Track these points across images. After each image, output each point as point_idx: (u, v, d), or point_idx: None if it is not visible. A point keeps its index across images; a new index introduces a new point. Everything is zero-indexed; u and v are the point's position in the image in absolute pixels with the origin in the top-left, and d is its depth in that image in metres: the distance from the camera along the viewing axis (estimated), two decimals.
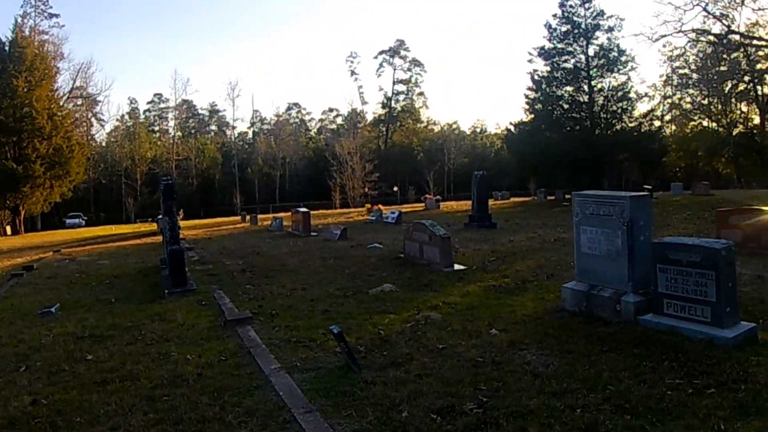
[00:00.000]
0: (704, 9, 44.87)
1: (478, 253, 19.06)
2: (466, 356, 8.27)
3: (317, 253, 21.34)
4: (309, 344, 9.30)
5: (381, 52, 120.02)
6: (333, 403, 6.84)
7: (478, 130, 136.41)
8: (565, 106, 56.86)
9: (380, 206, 49.52)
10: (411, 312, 11.14)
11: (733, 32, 48.82)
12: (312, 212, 35.87)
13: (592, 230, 10.22)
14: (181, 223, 32.25)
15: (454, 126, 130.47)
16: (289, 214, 36.35)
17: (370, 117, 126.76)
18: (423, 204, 57.03)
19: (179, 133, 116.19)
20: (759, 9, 51.82)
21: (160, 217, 26.48)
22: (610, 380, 7.03)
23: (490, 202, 38.16)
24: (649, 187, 51.29)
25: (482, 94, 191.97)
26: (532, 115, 57.56)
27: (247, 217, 48.51)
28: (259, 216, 49.07)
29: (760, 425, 5.75)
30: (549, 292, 12.26)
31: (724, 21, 49.69)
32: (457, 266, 16.18)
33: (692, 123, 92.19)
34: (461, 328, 9.84)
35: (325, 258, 19.68)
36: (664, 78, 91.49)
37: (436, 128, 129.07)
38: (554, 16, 57.24)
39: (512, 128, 60.87)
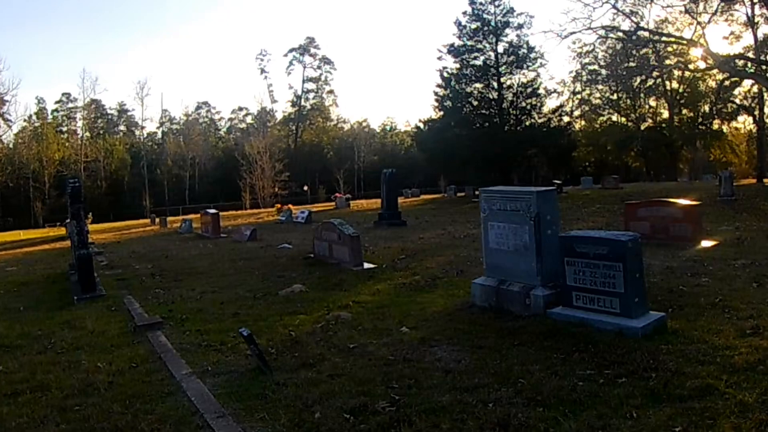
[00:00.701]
0: (613, 6, 45.91)
1: (387, 251, 19.18)
2: (377, 355, 8.29)
3: (227, 255, 21.21)
4: (220, 348, 9.22)
5: (291, 50, 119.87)
6: (245, 407, 6.79)
7: (388, 127, 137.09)
8: (475, 103, 57.49)
9: (290, 206, 49.52)
10: (321, 312, 11.12)
11: (642, 29, 50.01)
12: (222, 213, 35.66)
13: (500, 226, 10.35)
14: (90, 227, 31.61)
15: (365, 124, 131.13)
16: (199, 215, 36.07)
17: (280, 116, 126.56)
18: (333, 203, 57.16)
19: (88, 134, 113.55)
20: (668, 6, 53.30)
21: (69, 221, 25.97)
22: (522, 374, 7.12)
23: (401, 199, 38.42)
24: (559, 181, 52.37)
25: (393, 91, 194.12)
26: (442, 113, 58.02)
27: (157, 220, 48.13)
28: (169, 218, 48.78)
29: (672, 412, 5.89)
30: (459, 288, 12.39)
31: (633, 18, 50.93)
32: (366, 265, 16.25)
33: (601, 118, 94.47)
34: (372, 326, 9.86)
35: (234, 260, 19.56)
36: (573, 74, 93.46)
37: (346, 126, 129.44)
38: (464, 13, 57.97)
39: (422, 125, 61.14)
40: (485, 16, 56.81)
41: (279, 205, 54.11)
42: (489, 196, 10.60)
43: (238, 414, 6.65)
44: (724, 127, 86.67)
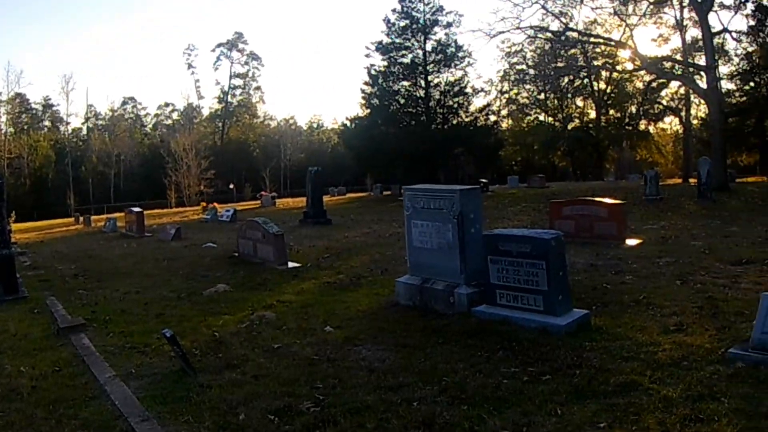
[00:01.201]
0: (543, 7, 46.35)
1: (312, 249, 19.16)
2: (301, 355, 8.27)
3: (151, 254, 20.92)
4: (144, 350, 9.10)
5: (219, 45, 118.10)
6: (170, 410, 6.71)
7: (315, 125, 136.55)
8: (402, 101, 57.64)
9: (215, 204, 49.06)
10: (246, 312, 11.08)
11: (571, 29, 50.64)
12: (147, 212, 35.24)
13: (424, 224, 10.39)
14: (13, 226, 30.84)
15: (291, 121, 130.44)
16: (124, 214, 35.53)
17: (206, 112, 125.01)
18: (259, 201, 56.83)
19: (11, 129, 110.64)
20: (598, 7, 54.10)
21: None
22: (446, 372, 7.17)
23: (327, 198, 38.36)
24: (485, 180, 52.81)
25: (321, 89, 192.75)
26: (369, 111, 58.09)
27: (81, 219, 47.19)
28: (93, 217, 47.82)
29: (596, 408, 5.97)
30: (384, 287, 12.45)
31: (562, 19, 51.41)
32: (291, 264, 16.20)
33: (529, 117, 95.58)
34: (296, 326, 9.84)
35: (158, 259, 19.32)
36: (501, 73, 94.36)
37: (273, 124, 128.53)
38: (394, 11, 58.02)
39: (348, 123, 61.14)
40: (414, 14, 57.04)
41: (204, 204, 53.68)
42: (413, 195, 10.63)
43: (162, 417, 6.57)
44: (651, 128, 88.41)
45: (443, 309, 9.89)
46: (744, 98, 52.04)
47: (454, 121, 57.65)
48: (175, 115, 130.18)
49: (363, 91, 58.67)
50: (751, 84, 48.30)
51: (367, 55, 60.95)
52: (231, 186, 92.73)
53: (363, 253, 17.99)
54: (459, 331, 8.68)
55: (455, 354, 7.82)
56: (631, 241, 17.07)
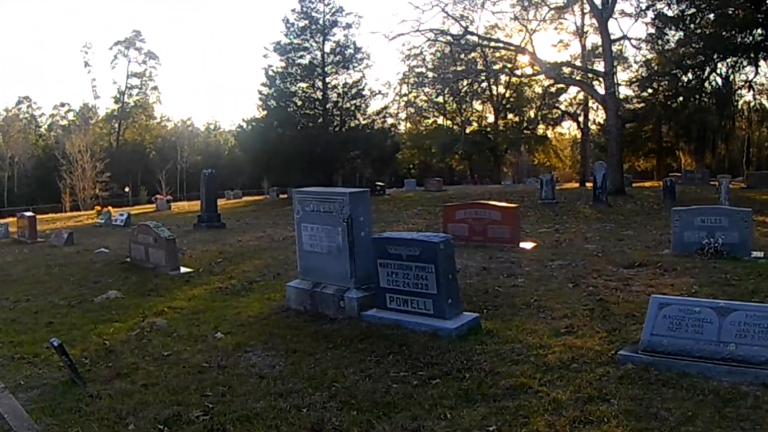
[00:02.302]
0: (443, 10, 46.87)
1: (205, 254, 18.98)
2: (191, 362, 8.20)
3: (42, 260, 20.33)
4: (33, 360, 8.86)
5: (117, 43, 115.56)
6: (59, 422, 6.55)
7: (212, 126, 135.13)
8: (299, 103, 57.49)
9: (110, 208, 48.19)
10: (137, 319, 10.90)
11: (471, 33, 51.21)
12: (41, 217, 34.45)
13: (314, 227, 10.37)
14: None
15: (189, 123, 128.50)
16: (16, 219, 34.52)
17: (103, 112, 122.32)
18: (154, 205, 56.08)
19: None
20: (498, 12, 55.10)
21: None
22: (336, 377, 7.18)
23: (223, 201, 38.03)
24: (382, 183, 53.09)
25: (218, 89, 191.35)
26: (265, 112, 57.70)
27: None
28: None
29: (486, 411, 6.04)
30: (275, 291, 12.39)
31: (462, 22, 52.03)
32: (183, 269, 16.03)
33: (427, 121, 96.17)
34: (187, 333, 9.75)
35: (50, 266, 18.78)
36: (401, 76, 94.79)
37: (170, 125, 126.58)
38: (293, 10, 57.78)
39: (245, 125, 60.71)
40: (314, 14, 56.97)
41: (99, 208, 52.67)
42: (302, 198, 10.61)
43: (51, 429, 6.44)
44: (549, 132, 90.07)
45: (334, 313, 9.89)
46: (642, 104, 53.40)
47: (352, 124, 57.78)
48: (71, 116, 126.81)
49: (260, 92, 58.23)
50: (649, 90, 49.66)
51: (265, 56, 61.04)
52: (126, 189, 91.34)
53: (256, 257, 17.90)
54: (349, 336, 8.70)
55: (345, 359, 7.83)
56: (525, 245, 17.37)
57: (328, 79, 57.34)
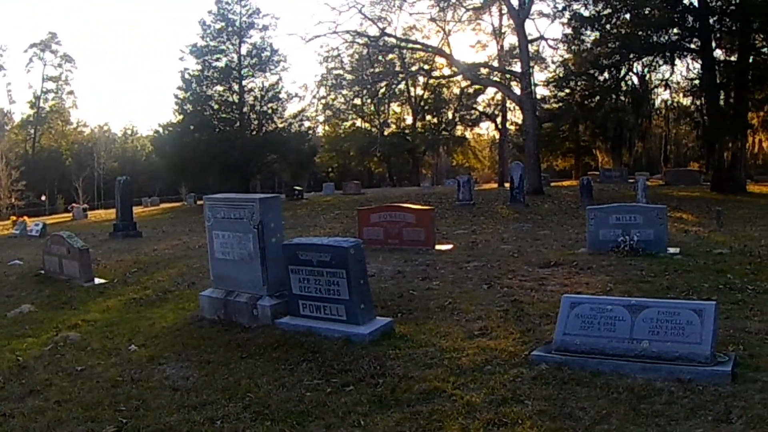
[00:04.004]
0: (360, 11, 46.94)
1: (120, 264, 18.71)
2: (105, 376, 8.06)
3: None
4: None
5: (32, 45, 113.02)
6: None
7: (129, 132, 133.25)
8: (216, 107, 57.32)
9: (26, 218, 47.28)
10: (50, 333, 10.67)
11: (388, 35, 51.39)
12: None
13: (225, 234, 10.32)
14: None
15: (105, 128, 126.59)
16: None
17: (18, 118, 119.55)
18: (71, 214, 55.17)
19: None
20: (416, 13, 55.44)
21: None
22: (250, 387, 7.15)
23: (140, 209, 37.56)
24: (300, 188, 53.09)
25: (136, 93, 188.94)
26: (182, 117, 57.34)
27: None
28: None
29: (400, 417, 6.07)
30: (189, 301, 12.25)
31: (379, 24, 52.20)
32: (98, 280, 15.76)
33: (346, 123, 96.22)
34: (101, 346, 9.57)
35: None
36: (318, 78, 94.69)
37: (87, 131, 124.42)
38: (210, 12, 57.59)
39: (161, 130, 60.15)
40: (231, 16, 56.85)
41: (15, 217, 51.59)
42: (213, 205, 10.55)
43: None
44: (467, 133, 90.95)
45: (248, 322, 9.83)
46: (559, 104, 54.11)
47: (269, 128, 57.83)
48: None
49: (176, 96, 57.84)
50: (566, 90, 50.35)
51: (182, 59, 60.49)
52: (43, 198, 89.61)
53: (171, 266, 17.73)
54: (263, 345, 8.67)
55: (259, 368, 7.80)
56: (441, 247, 17.46)
57: (244, 82, 57.34)
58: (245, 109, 57.11)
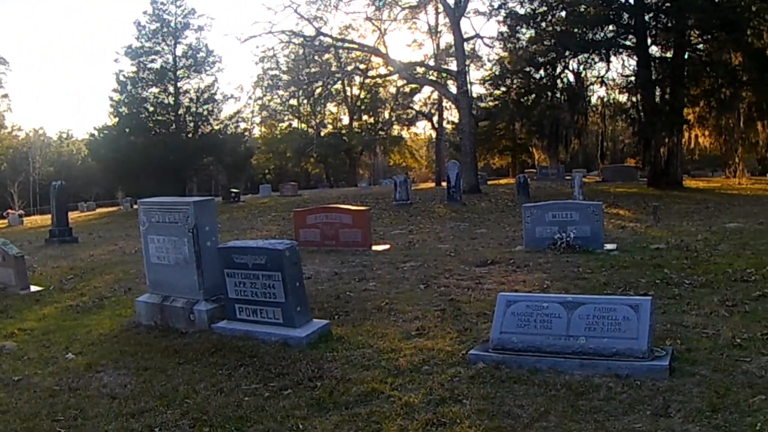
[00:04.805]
0: (296, 11, 46.81)
1: (56, 271, 18.48)
2: (42, 386, 7.93)
3: None
4: None
5: None
6: None
7: (65, 136, 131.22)
8: (151, 109, 56.96)
9: None
10: None
11: (324, 34, 51.31)
12: None
13: (160, 239, 10.24)
14: None
15: (41, 132, 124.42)
16: None
17: None
18: (6, 220, 54.38)
19: None
20: (352, 12, 55.50)
21: None
22: (188, 393, 7.10)
23: (76, 214, 37.04)
24: (237, 190, 52.83)
25: (71, 96, 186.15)
26: (117, 119, 56.84)
27: None
28: None
29: (338, 420, 6.08)
30: (126, 307, 12.12)
31: (315, 23, 52.09)
32: (34, 287, 15.50)
33: (282, 124, 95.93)
34: (38, 355, 9.41)
35: None
36: (255, 79, 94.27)
37: (21, 135, 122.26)
38: (145, 13, 57.24)
39: (96, 133, 59.49)
40: (166, 16, 56.57)
41: None
42: (147, 209, 10.45)
43: None
44: (404, 133, 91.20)
45: (185, 327, 9.77)
46: (495, 102, 54.50)
47: (205, 130, 57.56)
48: None
49: (111, 98, 57.39)
50: (502, 88, 50.64)
51: (117, 60, 60.54)
52: None
53: (107, 272, 17.53)
54: (200, 350, 8.62)
55: (196, 374, 7.76)
56: (378, 247, 17.58)
57: (180, 84, 57.10)
58: (181, 111, 56.82)
